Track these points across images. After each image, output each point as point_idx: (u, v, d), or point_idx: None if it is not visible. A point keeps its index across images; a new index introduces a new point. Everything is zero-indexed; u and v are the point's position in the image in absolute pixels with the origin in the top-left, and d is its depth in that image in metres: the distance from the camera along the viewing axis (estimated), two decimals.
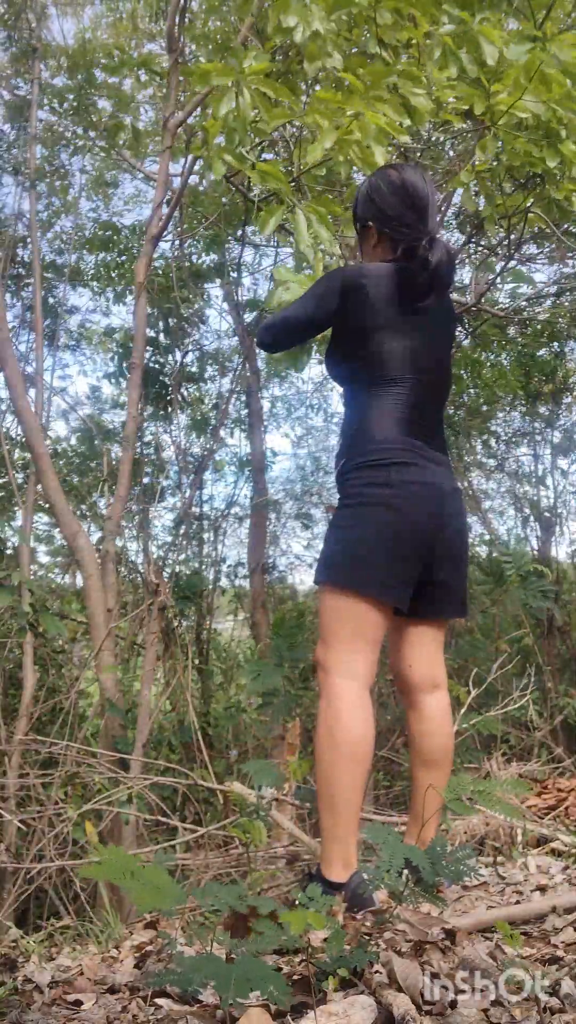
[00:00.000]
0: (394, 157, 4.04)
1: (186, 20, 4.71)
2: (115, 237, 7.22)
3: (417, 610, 2.16)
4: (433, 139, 4.48)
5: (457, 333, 7.00)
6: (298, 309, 2.23)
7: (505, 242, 4.60)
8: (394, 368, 2.12)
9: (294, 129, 3.98)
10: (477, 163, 3.27)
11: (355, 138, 2.76)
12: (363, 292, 2.13)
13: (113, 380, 7.39)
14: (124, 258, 7.14)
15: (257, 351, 7.90)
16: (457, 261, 6.72)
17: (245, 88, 2.77)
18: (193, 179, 5.10)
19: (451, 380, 2.39)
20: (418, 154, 4.82)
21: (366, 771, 2.00)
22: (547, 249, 6.41)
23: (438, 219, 2.33)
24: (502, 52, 2.90)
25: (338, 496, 2.20)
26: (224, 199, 6.00)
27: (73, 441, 8.33)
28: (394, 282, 2.15)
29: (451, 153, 5.03)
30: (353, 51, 3.11)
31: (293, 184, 3.13)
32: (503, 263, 4.92)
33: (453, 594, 2.22)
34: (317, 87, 3.16)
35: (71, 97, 6.29)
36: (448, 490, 2.15)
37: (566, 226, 4.79)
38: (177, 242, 6.60)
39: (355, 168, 2.96)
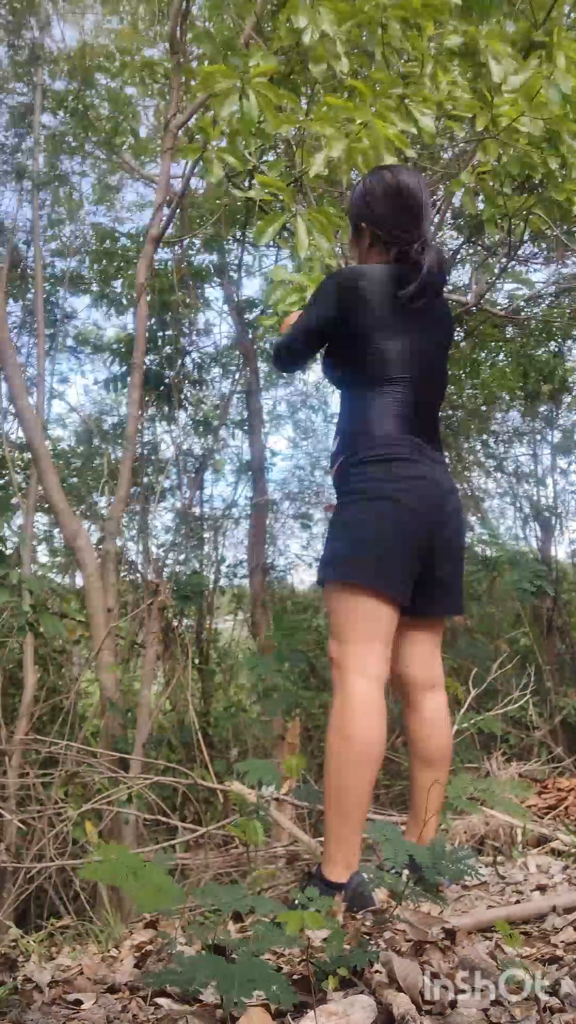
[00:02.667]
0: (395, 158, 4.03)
1: (188, 22, 4.70)
2: (112, 242, 7.21)
3: (416, 608, 2.15)
4: (431, 149, 4.47)
5: (455, 333, 7.02)
6: (302, 322, 2.22)
7: (505, 243, 4.60)
8: (394, 368, 2.11)
9: (295, 131, 3.98)
10: (478, 164, 3.27)
11: (364, 146, 2.75)
12: (361, 292, 2.12)
13: (113, 387, 7.39)
14: (123, 263, 7.13)
15: (256, 352, 7.89)
16: (453, 263, 6.73)
17: (250, 90, 2.76)
18: (194, 181, 5.10)
19: (447, 382, 2.39)
20: (418, 156, 4.81)
21: (376, 772, 1.98)
22: (545, 250, 6.41)
23: (436, 221, 2.32)
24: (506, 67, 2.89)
25: (336, 494, 2.19)
26: (224, 200, 5.99)
27: (73, 442, 8.33)
28: (392, 283, 2.14)
29: (449, 154, 5.02)
30: (355, 51, 3.10)
31: (296, 185, 3.12)
32: (502, 263, 4.92)
33: (451, 592, 2.22)
34: (320, 92, 3.16)
35: (71, 99, 6.29)
36: (448, 488, 2.16)
37: (566, 227, 4.79)
38: (178, 243, 6.60)
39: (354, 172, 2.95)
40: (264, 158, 3.51)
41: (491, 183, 3.40)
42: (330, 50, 2.84)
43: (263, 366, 8.32)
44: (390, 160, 2.77)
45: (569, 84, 2.73)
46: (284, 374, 2.63)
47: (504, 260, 4.93)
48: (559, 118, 2.85)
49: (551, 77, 2.71)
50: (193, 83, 3.04)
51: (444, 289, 2.34)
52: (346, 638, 2.03)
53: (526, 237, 4.93)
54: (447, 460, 2.28)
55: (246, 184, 4.21)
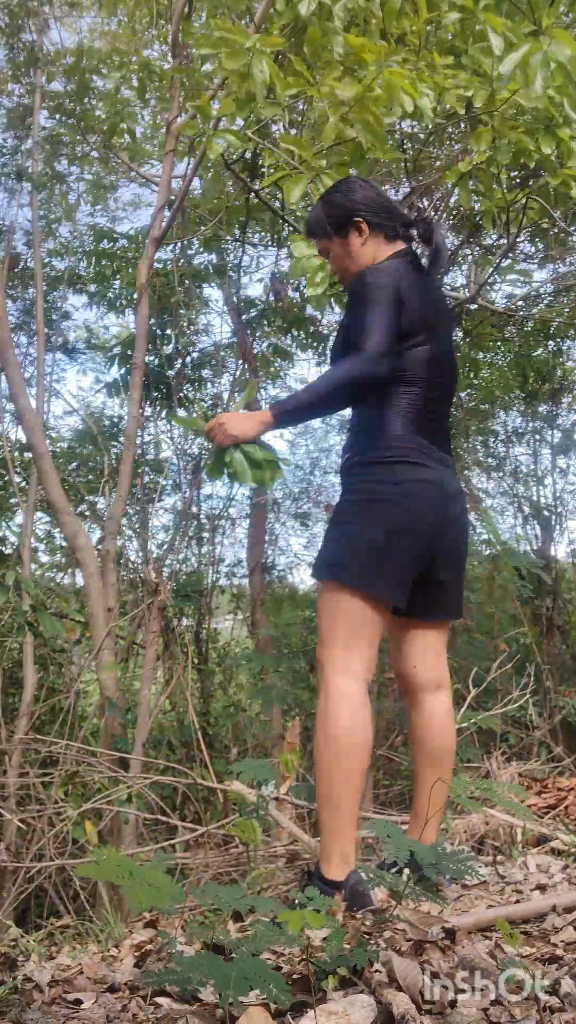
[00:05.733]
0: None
1: (192, 24, 4.69)
2: (111, 242, 7.20)
3: (419, 611, 2.16)
4: (432, 129, 4.45)
5: (454, 333, 7.02)
6: (390, 321, 2.03)
7: (503, 237, 4.58)
8: (411, 369, 2.10)
9: (295, 131, 3.98)
10: (475, 157, 3.26)
11: (376, 94, 2.70)
12: (403, 293, 2.09)
13: (115, 392, 7.39)
14: (123, 263, 7.12)
15: (255, 352, 7.89)
16: (451, 262, 6.73)
17: (258, 54, 2.70)
18: (194, 183, 5.10)
19: (458, 380, 2.39)
20: (417, 153, 4.81)
21: (364, 769, 2.01)
22: (542, 249, 6.41)
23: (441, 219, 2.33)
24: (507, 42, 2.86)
25: (341, 491, 2.19)
26: (222, 200, 5.99)
27: (73, 442, 8.33)
28: (411, 276, 2.13)
29: (455, 146, 5.00)
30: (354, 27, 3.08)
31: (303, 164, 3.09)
32: (501, 257, 4.91)
33: (452, 595, 2.22)
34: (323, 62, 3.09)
35: (68, 102, 6.28)
36: (453, 492, 2.15)
37: (563, 224, 4.77)
38: (178, 245, 6.60)
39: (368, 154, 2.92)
40: (267, 148, 3.47)
41: (488, 172, 3.37)
42: (329, 28, 2.81)
43: (261, 367, 8.30)
44: (409, 102, 2.70)
45: (566, 52, 2.67)
46: (359, 397, 2.32)
47: (502, 257, 4.91)
48: (560, 88, 2.81)
49: (546, 51, 2.67)
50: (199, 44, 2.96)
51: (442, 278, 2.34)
52: (330, 639, 2.05)
53: (524, 233, 4.92)
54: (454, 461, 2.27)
55: (249, 178, 4.20)
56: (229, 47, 2.71)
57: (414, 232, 2.24)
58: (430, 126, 3.15)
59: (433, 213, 5.51)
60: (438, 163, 5.26)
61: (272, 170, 3.02)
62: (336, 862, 1.95)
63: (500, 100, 2.93)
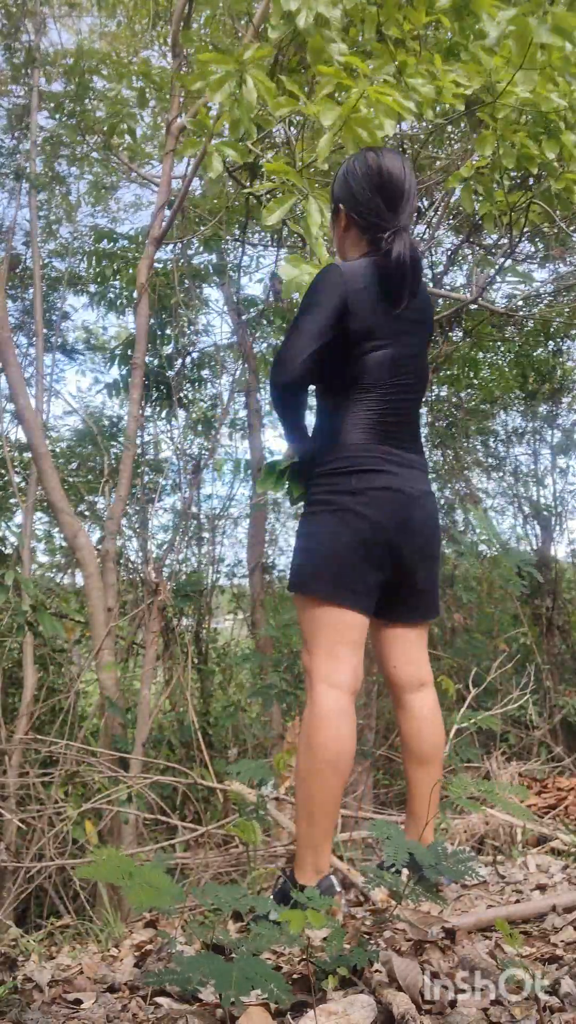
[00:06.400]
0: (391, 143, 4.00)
1: (191, 25, 4.70)
2: (111, 242, 7.20)
3: (394, 614, 2.16)
4: (433, 129, 4.44)
5: (454, 333, 7.02)
6: (313, 327, 2.02)
7: (504, 239, 4.59)
8: (371, 374, 2.07)
9: (295, 131, 3.98)
10: (476, 160, 3.26)
11: (362, 115, 2.68)
12: (357, 296, 2.04)
13: (115, 392, 7.39)
14: (123, 264, 7.12)
15: (255, 352, 7.89)
16: (451, 262, 6.72)
17: (247, 75, 2.71)
18: (194, 182, 5.09)
19: (427, 380, 2.33)
20: (417, 153, 4.82)
21: (344, 780, 2.00)
22: (542, 249, 6.42)
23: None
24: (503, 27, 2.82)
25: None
26: (224, 200, 5.99)
27: (73, 442, 8.33)
28: (376, 282, 2.07)
29: (455, 145, 5.01)
30: (352, 50, 3.08)
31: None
32: (502, 260, 4.92)
33: (427, 597, 2.21)
34: (317, 78, 3.09)
35: (67, 102, 6.28)
36: (417, 495, 2.11)
37: (563, 225, 4.78)
38: (178, 245, 6.60)
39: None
40: (266, 157, 3.48)
41: (489, 175, 3.36)
42: (327, 36, 2.80)
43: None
44: (391, 124, 2.69)
45: (566, 21, 2.58)
46: (288, 403, 2.22)
47: (503, 258, 4.92)
48: (561, 65, 2.78)
49: (545, 15, 2.62)
50: (188, 83, 2.96)
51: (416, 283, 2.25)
52: (312, 648, 2.06)
53: (524, 232, 4.91)
54: (425, 461, 2.22)
55: (248, 181, 4.21)
56: (222, 62, 2.70)
57: (380, 245, 2.11)
58: (427, 122, 3.13)
59: (434, 212, 5.51)
60: (438, 163, 5.26)
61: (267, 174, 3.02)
62: (309, 871, 1.96)
63: (499, 87, 2.88)
